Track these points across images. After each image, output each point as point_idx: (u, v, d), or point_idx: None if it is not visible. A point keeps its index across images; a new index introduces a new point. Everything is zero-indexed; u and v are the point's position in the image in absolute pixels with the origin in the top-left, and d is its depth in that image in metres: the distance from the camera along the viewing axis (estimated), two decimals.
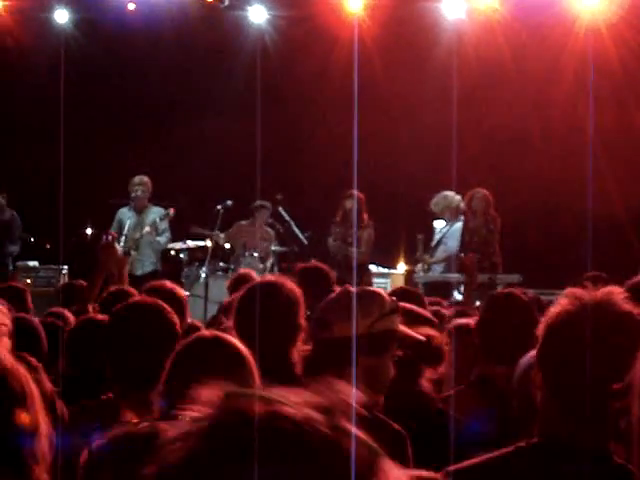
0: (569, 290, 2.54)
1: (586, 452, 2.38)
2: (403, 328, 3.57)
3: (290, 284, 4.44)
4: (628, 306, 2.46)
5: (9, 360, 2.67)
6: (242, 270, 8.17)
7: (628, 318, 2.44)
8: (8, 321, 3.45)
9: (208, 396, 1.33)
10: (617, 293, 2.48)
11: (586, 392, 2.37)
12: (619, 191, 11.21)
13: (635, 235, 11.26)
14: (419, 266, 12.09)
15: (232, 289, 6.66)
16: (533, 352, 2.68)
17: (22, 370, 2.65)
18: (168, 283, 5.55)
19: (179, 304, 5.05)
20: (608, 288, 2.51)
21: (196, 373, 3.02)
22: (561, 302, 2.52)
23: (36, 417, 2.59)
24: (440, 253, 11.98)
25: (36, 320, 4.77)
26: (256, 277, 6.82)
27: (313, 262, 7.84)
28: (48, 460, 2.29)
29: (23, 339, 4.18)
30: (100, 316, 5.10)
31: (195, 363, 3.07)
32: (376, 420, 3.31)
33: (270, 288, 4.33)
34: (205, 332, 3.39)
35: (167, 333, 3.66)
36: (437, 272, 11.93)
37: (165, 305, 3.85)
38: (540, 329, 2.54)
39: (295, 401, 1.27)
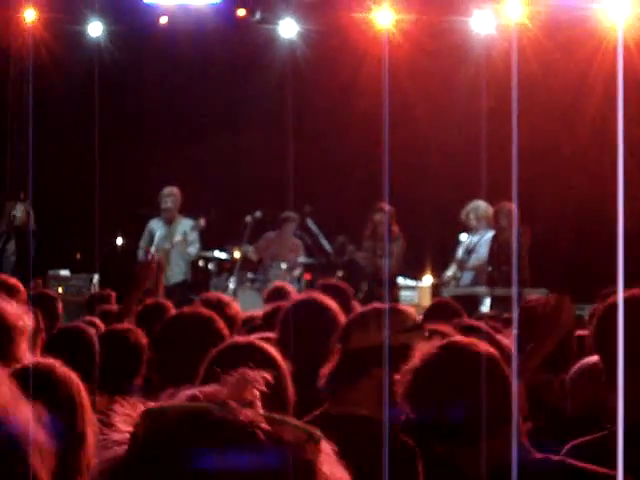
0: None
1: None
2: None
3: (334, 304, 4.56)
4: None
5: (63, 370, 2.75)
6: (278, 283, 8.24)
7: None
8: (28, 324, 3.50)
9: (127, 414, 1.33)
10: None
11: None
12: None
13: None
14: (449, 274, 12.15)
15: (269, 301, 6.77)
16: (585, 360, 3.01)
17: (75, 380, 2.73)
18: (224, 297, 5.68)
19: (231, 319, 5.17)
20: None
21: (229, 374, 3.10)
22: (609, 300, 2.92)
23: (84, 427, 2.66)
24: (473, 261, 12.03)
25: (91, 330, 4.84)
26: (291, 290, 6.93)
27: (333, 279, 7.97)
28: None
29: (75, 349, 4.26)
30: (128, 325, 5.20)
31: (229, 368, 3.14)
32: (382, 431, 3.33)
33: (318, 306, 4.48)
34: (239, 338, 3.46)
35: (214, 341, 3.74)
36: (467, 280, 11.97)
37: (211, 313, 3.94)
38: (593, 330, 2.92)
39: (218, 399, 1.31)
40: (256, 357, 3.19)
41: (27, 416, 1.48)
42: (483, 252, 11.87)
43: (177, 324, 4.02)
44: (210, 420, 1.30)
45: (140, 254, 12.75)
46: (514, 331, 4.67)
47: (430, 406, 2.84)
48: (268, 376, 1.40)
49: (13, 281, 4.54)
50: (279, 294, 6.55)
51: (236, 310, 5.57)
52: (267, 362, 3.20)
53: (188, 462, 1.25)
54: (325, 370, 3.56)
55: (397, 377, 3.44)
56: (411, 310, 3.84)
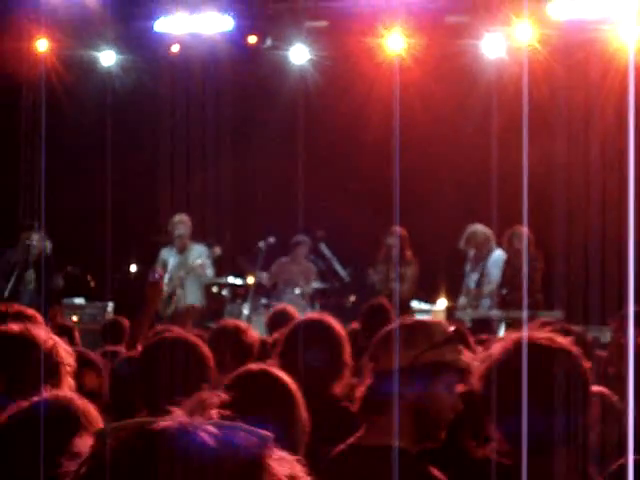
0: None
1: None
2: (465, 359, 3.44)
3: (334, 322, 4.58)
4: None
5: (82, 401, 2.77)
6: (280, 306, 8.24)
7: None
8: (72, 361, 3.55)
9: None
10: None
11: None
12: None
13: None
14: (463, 303, 12.15)
15: (271, 326, 6.77)
16: None
17: (94, 412, 2.75)
18: (241, 324, 5.70)
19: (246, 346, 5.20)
20: None
21: (244, 406, 3.11)
22: None
23: None
24: (487, 287, 12.04)
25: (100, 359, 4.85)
26: (294, 312, 6.93)
27: (377, 300, 7.98)
28: None
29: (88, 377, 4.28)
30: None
31: (243, 396, 3.16)
32: (417, 467, 3.29)
33: (315, 326, 4.48)
34: (253, 366, 3.43)
35: (198, 366, 3.74)
36: (486, 305, 11.98)
37: (195, 340, 3.94)
38: None
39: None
40: (269, 385, 3.19)
41: None
42: (495, 275, 11.87)
43: (157, 349, 3.97)
44: (156, 431, 1.32)
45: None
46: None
47: (505, 410, 2.67)
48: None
49: (31, 312, 4.55)
50: (282, 318, 6.55)
51: (253, 337, 5.57)
52: (280, 391, 3.19)
53: (139, 476, 1.29)
54: (358, 393, 3.45)
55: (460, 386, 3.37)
56: (441, 323, 3.68)
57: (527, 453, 2.63)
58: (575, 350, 2.74)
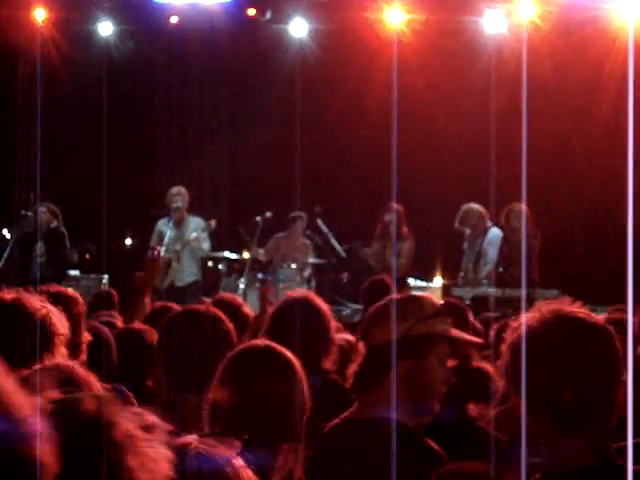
0: None
1: None
2: (455, 332, 3.49)
3: (317, 299, 4.72)
4: None
5: (83, 371, 2.74)
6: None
7: None
8: (66, 330, 3.52)
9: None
10: None
11: None
12: None
13: None
14: (462, 279, 12.15)
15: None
16: None
17: (95, 382, 2.72)
18: (237, 299, 5.72)
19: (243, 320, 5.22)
20: None
21: (247, 380, 3.11)
22: None
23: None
24: (485, 267, 12.02)
25: (106, 330, 4.83)
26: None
27: (379, 277, 7.99)
28: None
29: (95, 350, 4.26)
30: (141, 325, 5.18)
31: (246, 370, 3.16)
32: (414, 438, 3.31)
33: (300, 304, 4.60)
34: (257, 341, 3.43)
35: (222, 340, 3.72)
36: (484, 285, 11.96)
37: (220, 313, 3.93)
38: None
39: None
40: (273, 360, 3.20)
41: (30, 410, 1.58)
42: (492, 254, 11.84)
43: (185, 321, 3.97)
44: None
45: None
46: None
47: (534, 384, 2.55)
48: None
49: (71, 292, 4.52)
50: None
51: (248, 312, 5.60)
52: (283, 365, 3.19)
53: None
54: (350, 370, 3.47)
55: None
56: (430, 297, 3.68)
57: (550, 426, 2.58)
58: (611, 328, 2.67)
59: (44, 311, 3.46)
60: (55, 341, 3.40)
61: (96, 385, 2.71)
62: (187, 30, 13.61)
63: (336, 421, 3.42)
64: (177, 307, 5.77)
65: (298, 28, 13.94)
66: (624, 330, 2.74)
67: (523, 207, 11.27)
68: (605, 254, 11.97)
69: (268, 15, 13.76)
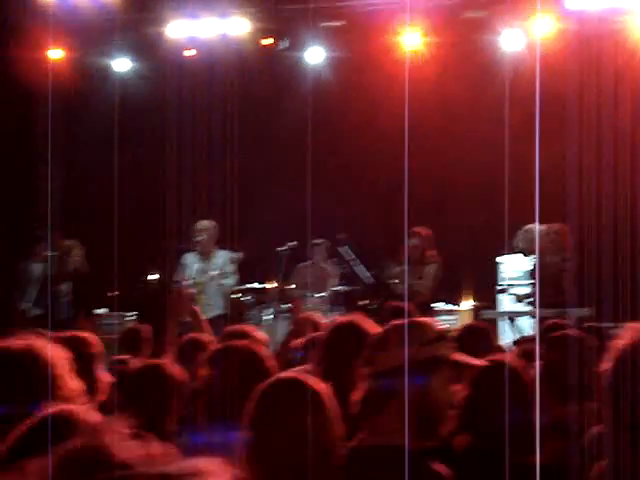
0: None
1: None
2: (458, 356, 3.51)
3: (368, 323, 4.56)
4: None
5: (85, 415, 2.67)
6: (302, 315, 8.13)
7: None
8: (71, 373, 3.45)
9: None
10: None
11: None
12: None
13: None
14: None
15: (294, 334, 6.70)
16: None
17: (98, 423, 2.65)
18: (248, 328, 5.65)
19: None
20: None
21: (276, 414, 3.09)
22: None
23: None
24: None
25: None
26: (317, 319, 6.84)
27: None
28: None
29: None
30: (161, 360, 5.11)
31: (275, 404, 3.16)
32: (417, 460, 3.27)
33: (348, 329, 4.50)
34: (284, 374, 3.44)
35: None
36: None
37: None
38: None
39: None
40: (301, 393, 3.18)
41: None
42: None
43: (223, 357, 3.96)
44: None
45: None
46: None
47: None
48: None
49: (85, 334, 4.50)
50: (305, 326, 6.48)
51: (261, 339, 5.51)
52: (312, 398, 3.18)
53: None
54: (355, 396, 3.46)
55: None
56: (431, 321, 3.70)
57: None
58: None
59: (48, 356, 3.40)
60: (58, 384, 3.34)
61: (99, 429, 2.63)
62: (202, 62, 13.64)
63: (343, 450, 3.37)
64: (209, 338, 5.75)
65: (315, 55, 13.87)
66: None
67: (558, 227, 11.16)
68: (635, 269, 11.85)
69: (287, 43, 13.75)
